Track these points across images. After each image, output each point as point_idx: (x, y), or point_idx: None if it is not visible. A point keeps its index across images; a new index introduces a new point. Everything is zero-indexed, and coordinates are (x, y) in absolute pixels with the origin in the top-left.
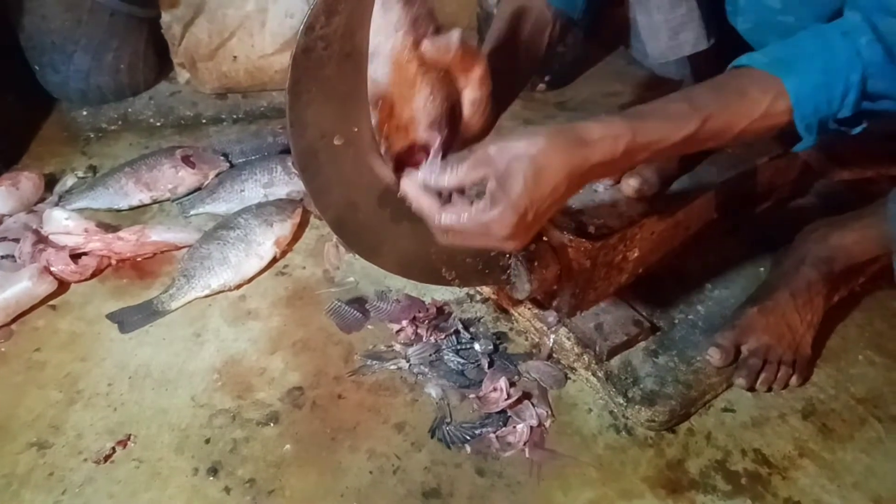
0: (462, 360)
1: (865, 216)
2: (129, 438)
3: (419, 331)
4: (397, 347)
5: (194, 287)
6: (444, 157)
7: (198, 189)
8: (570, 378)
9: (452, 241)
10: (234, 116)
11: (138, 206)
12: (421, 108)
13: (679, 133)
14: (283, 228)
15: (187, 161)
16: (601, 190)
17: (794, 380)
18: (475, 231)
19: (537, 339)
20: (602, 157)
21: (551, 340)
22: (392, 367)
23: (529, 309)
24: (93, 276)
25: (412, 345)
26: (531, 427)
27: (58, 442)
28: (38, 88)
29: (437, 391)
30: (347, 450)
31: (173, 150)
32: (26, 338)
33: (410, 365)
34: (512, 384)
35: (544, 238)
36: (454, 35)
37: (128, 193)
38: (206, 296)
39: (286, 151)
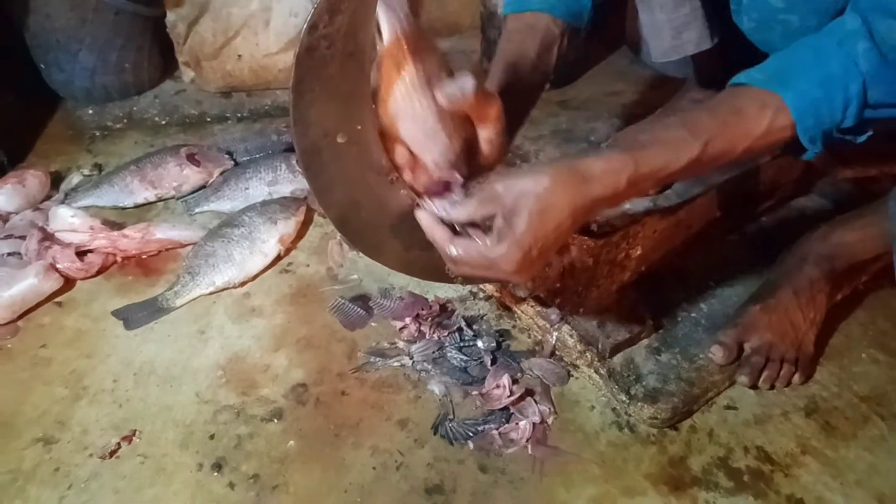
0: (465, 358)
1: (867, 214)
2: (134, 434)
3: (422, 328)
4: (400, 344)
5: (199, 284)
6: (465, 188)
7: (202, 187)
8: (572, 375)
9: (462, 272)
10: (239, 115)
11: (143, 204)
12: (441, 154)
13: (681, 159)
14: (287, 226)
15: (192, 159)
16: None
17: (796, 378)
18: (483, 265)
19: (540, 337)
20: (604, 191)
21: (554, 338)
22: (395, 364)
23: (532, 306)
24: (98, 273)
25: (415, 342)
26: (534, 424)
27: (63, 438)
28: (43, 87)
29: (440, 388)
30: (351, 446)
31: (178, 148)
32: (32, 334)
33: (414, 362)
34: (515, 381)
35: None
36: (468, 84)
37: (133, 191)
38: (211, 293)
39: (290, 150)
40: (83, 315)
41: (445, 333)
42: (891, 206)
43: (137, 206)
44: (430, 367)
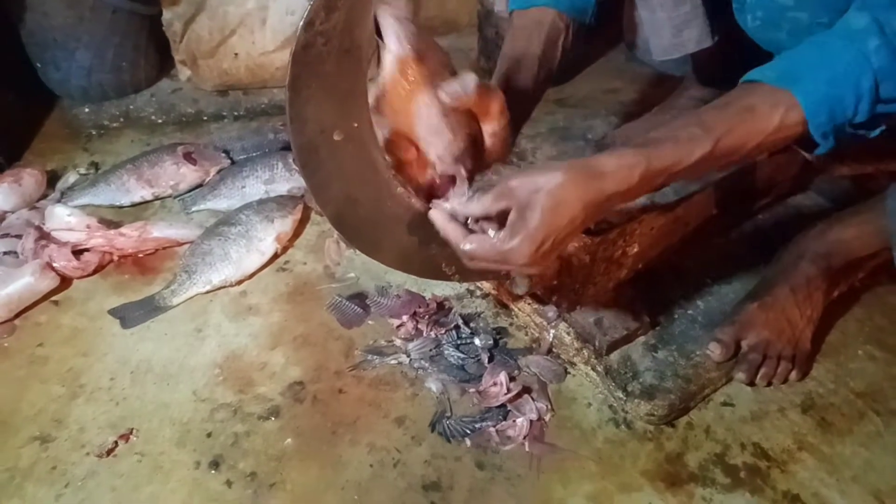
0: (462, 355)
1: (864, 211)
2: (131, 432)
3: (419, 326)
4: (398, 342)
5: (196, 283)
6: (469, 183)
7: (199, 186)
8: (569, 372)
9: (476, 266)
10: (236, 113)
11: (140, 203)
12: (445, 150)
13: (693, 155)
14: (283, 224)
15: (189, 158)
16: None
17: (793, 374)
18: (496, 259)
19: (537, 334)
20: (617, 187)
21: (551, 335)
22: (392, 361)
23: (529, 304)
24: (95, 271)
25: (412, 340)
26: (531, 421)
27: (60, 436)
28: (39, 85)
29: (437, 386)
30: (348, 444)
31: (175, 146)
32: (29, 333)
33: (411, 360)
34: (512, 379)
35: None
36: (470, 81)
37: (130, 190)
38: (208, 291)
39: (287, 148)
40: (80, 314)
41: (443, 331)
42: (888, 203)
43: (134, 205)
44: (427, 364)
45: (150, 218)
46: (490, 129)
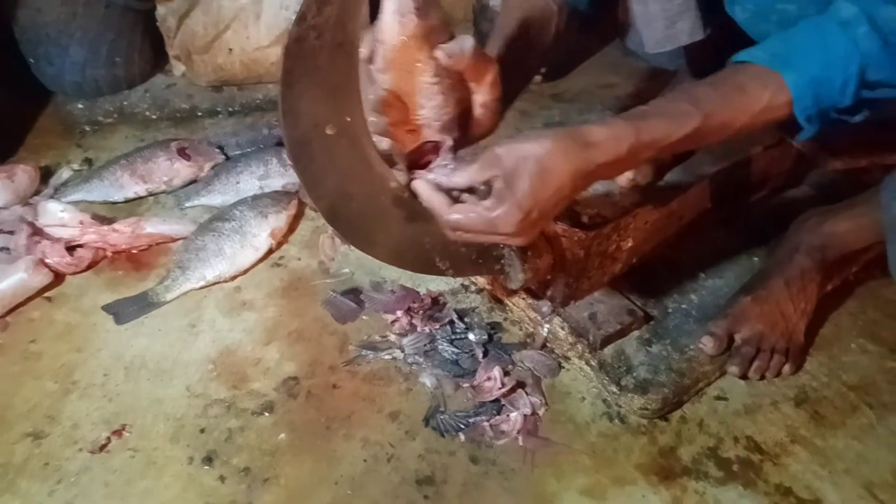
0: (456, 350)
1: (858, 205)
2: (124, 428)
3: (414, 321)
4: (392, 337)
5: (189, 278)
6: (454, 153)
7: (193, 181)
8: (563, 367)
9: (461, 237)
10: (230, 109)
11: (134, 199)
12: (434, 112)
13: (682, 130)
14: (278, 220)
15: (183, 153)
16: None
17: (786, 368)
18: (482, 228)
19: (531, 329)
20: (606, 157)
21: (545, 330)
22: (387, 356)
23: (523, 299)
24: (88, 267)
25: (407, 335)
26: (525, 415)
27: (53, 432)
28: (33, 81)
29: (431, 380)
30: (342, 438)
31: (169, 142)
32: (22, 329)
33: (405, 355)
34: (506, 373)
35: None
36: (467, 43)
37: (123, 186)
38: (202, 287)
39: (281, 144)
40: (73, 310)
41: (437, 326)
42: (882, 196)
43: (128, 201)
44: (421, 359)
45: (144, 214)
46: (481, 99)
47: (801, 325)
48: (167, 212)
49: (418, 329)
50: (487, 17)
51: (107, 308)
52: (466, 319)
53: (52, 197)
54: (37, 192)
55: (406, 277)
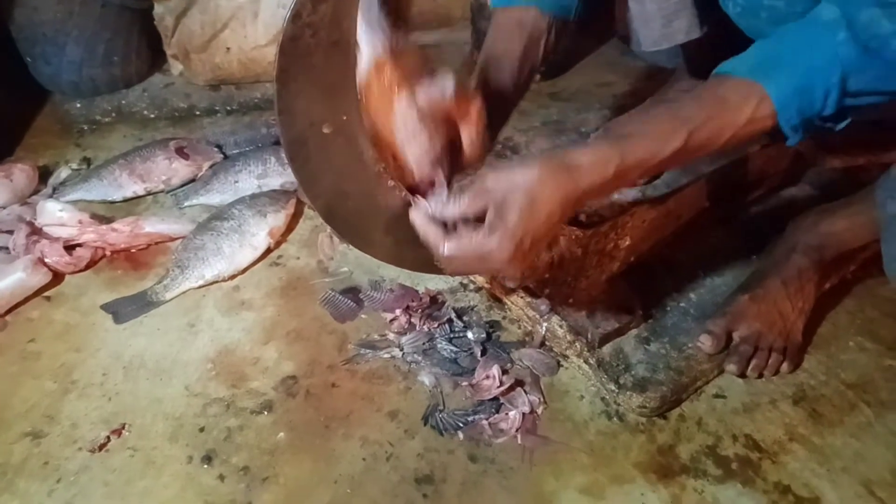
0: (455, 349)
1: (855, 203)
2: (123, 427)
3: (412, 320)
4: (391, 336)
5: (188, 278)
6: (448, 186)
7: (192, 180)
8: (562, 365)
9: (457, 269)
10: (228, 108)
11: (132, 198)
12: (422, 152)
13: (666, 149)
14: (276, 219)
15: (181, 152)
16: None
17: (784, 366)
18: (476, 259)
19: (530, 328)
20: (592, 181)
21: (544, 328)
22: (385, 355)
23: (522, 297)
24: (87, 267)
25: (405, 334)
26: (523, 414)
27: (52, 431)
28: (30, 80)
29: (430, 379)
30: (341, 437)
31: (167, 141)
32: (21, 329)
33: (404, 353)
34: (504, 372)
35: None
36: (448, 83)
37: (122, 185)
38: (200, 286)
39: (280, 143)
40: (72, 309)
41: (436, 325)
42: (878, 194)
43: (126, 200)
44: (420, 358)
45: (143, 213)
46: (467, 132)
47: (799, 323)
48: (166, 211)
49: (417, 328)
50: (485, 15)
51: (105, 307)
52: (465, 318)
53: (50, 196)
54: (35, 192)
55: (405, 276)
